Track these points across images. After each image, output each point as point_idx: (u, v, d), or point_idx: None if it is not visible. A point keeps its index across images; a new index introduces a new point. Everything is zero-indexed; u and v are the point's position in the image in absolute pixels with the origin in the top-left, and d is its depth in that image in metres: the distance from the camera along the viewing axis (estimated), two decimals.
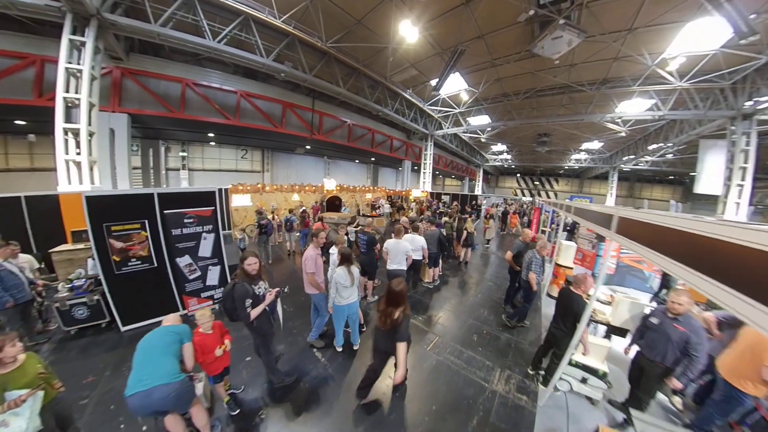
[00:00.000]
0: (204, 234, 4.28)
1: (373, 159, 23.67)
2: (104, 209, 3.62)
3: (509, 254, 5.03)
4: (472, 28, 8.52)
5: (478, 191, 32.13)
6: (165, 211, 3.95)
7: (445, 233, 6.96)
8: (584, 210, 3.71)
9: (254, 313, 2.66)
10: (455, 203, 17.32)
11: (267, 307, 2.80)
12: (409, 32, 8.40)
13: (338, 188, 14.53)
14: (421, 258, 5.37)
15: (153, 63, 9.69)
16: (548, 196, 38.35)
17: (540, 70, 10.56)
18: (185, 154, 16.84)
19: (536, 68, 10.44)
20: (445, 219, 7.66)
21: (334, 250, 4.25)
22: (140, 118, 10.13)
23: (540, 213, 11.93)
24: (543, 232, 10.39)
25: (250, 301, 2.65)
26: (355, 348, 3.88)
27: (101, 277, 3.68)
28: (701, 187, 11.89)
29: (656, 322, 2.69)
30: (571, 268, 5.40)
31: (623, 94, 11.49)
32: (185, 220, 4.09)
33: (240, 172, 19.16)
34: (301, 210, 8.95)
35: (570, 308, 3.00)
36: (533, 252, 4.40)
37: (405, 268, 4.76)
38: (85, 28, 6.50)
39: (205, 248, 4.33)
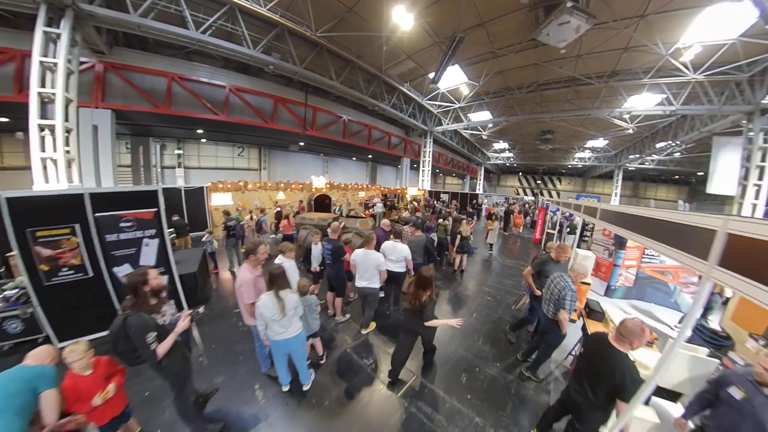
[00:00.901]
0: (146, 240, 3.75)
1: (370, 156, 23.11)
2: (27, 212, 3.10)
3: (529, 270, 3.90)
4: (471, 15, 7.92)
5: (479, 190, 31.49)
6: (96, 214, 3.41)
7: (435, 239, 6.24)
8: (632, 217, 2.35)
9: (161, 349, 2.05)
10: (454, 202, 16.75)
11: (179, 338, 2.19)
12: (403, 19, 7.82)
13: (328, 186, 13.84)
14: (404, 270, 4.55)
15: (137, 57, 9.29)
16: (550, 195, 37.69)
17: (546, 61, 9.91)
18: (181, 151, 16.78)
19: (540, 59, 9.81)
20: (438, 221, 6.97)
21: (282, 259, 3.48)
22: (125, 114, 9.78)
23: (545, 213, 11.30)
24: (549, 234, 9.77)
25: (154, 334, 2.03)
26: (305, 389, 3.11)
27: (29, 288, 3.16)
28: (714, 187, 11.25)
29: (738, 397, 1.79)
30: (589, 284, 4.68)
31: (633, 87, 10.84)
32: (122, 224, 3.56)
33: (237, 169, 19.00)
34: (276, 210, 8.38)
35: (608, 372, 1.97)
36: (565, 279, 3.03)
37: (377, 286, 3.97)
38: (60, 20, 6.12)
39: (148, 256, 3.80)
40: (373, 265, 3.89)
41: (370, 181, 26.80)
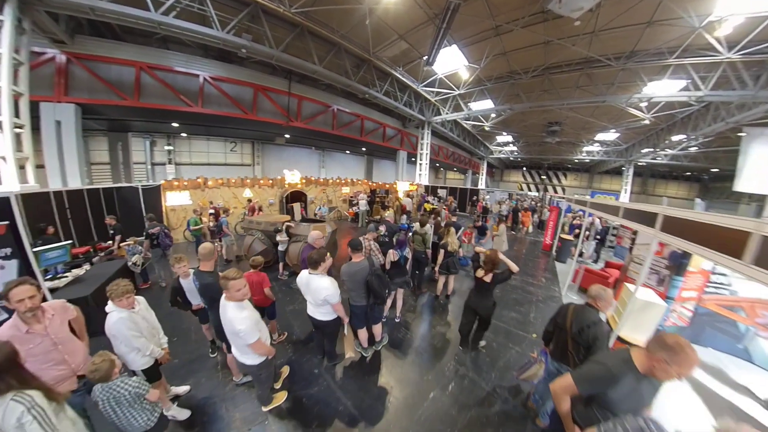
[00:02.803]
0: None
1: (364, 149, 21.96)
2: None
3: (568, 387, 1.65)
4: None
5: (481, 185, 30.24)
6: None
7: (409, 255, 4.38)
8: None
9: None
10: (450, 198, 15.52)
11: None
12: None
13: (304, 181, 12.50)
14: (333, 318, 2.96)
15: (102, 46, 8.55)
16: (555, 191, 36.38)
17: (560, 38, 8.56)
18: (171, 147, 16.12)
19: (550, 36, 8.53)
20: (415, 227, 5.16)
21: (111, 308, 2.24)
22: (93, 108, 9.13)
23: (559, 214, 9.66)
24: (563, 240, 8.43)
25: None
26: None
27: None
28: (742, 185, 10.06)
29: None
30: None
31: (654, 69, 9.57)
32: None
33: (229, 165, 18.36)
34: (210, 212, 7.27)
35: None
36: None
37: (253, 362, 2.39)
38: (3, 5, 5.51)
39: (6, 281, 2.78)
40: (231, 332, 2.26)
41: (366, 176, 25.68)
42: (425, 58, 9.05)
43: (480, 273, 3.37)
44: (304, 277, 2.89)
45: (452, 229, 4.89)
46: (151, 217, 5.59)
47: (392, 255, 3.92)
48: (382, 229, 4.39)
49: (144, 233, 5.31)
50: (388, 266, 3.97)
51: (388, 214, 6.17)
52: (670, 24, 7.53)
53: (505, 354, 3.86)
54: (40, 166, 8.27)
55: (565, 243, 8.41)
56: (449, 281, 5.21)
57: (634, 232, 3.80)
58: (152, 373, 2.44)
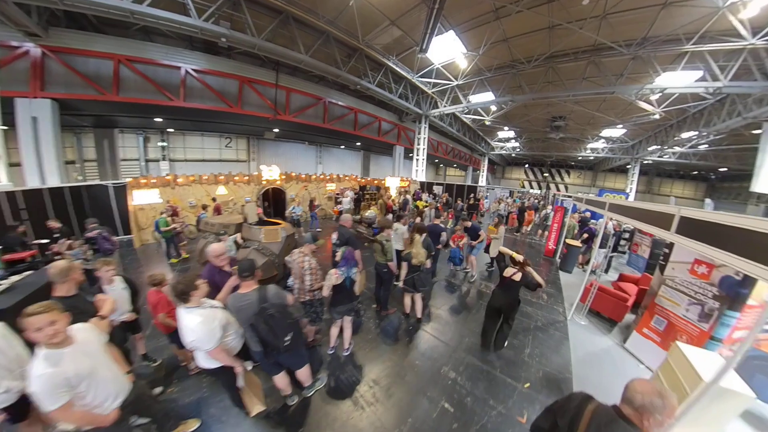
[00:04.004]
0: None
1: (359, 144, 21.25)
2: None
3: None
4: None
5: (482, 182, 29.45)
6: None
7: (357, 278, 3.25)
8: None
9: None
10: (445, 195, 14.75)
11: None
12: None
13: (283, 177, 11.53)
14: (216, 366, 2.20)
15: (79, 38, 8.18)
16: (558, 189, 35.56)
17: (567, 22, 7.81)
18: (165, 144, 15.77)
19: (555, 19, 7.77)
20: (376, 235, 4.15)
21: None
22: (72, 104, 8.80)
23: (564, 215, 8.51)
24: (569, 246, 7.36)
25: None
26: None
27: None
28: (761, 185, 9.37)
29: None
30: None
31: (668, 58, 8.82)
32: None
33: (224, 161, 18.00)
34: (169, 211, 6.71)
35: None
36: None
37: None
38: None
39: None
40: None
41: (363, 172, 25.00)
42: (419, 45, 8.36)
43: (509, 272, 3.39)
44: (180, 313, 2.08)
45: (417, 236, 3.89)
46: (92, 221, 4.99)
47: (334, 277, 3.00)
48: (334, 236, 3.57)
49: (83, 237, 4.74)
50: (326, 292, 3.05)
51: (369, 213, 5.42)
52: (688, 5, 6.80)
53: (482, 415, 2.68)
54: (16, 164, 7.89)
55: (571, 249, 7.35)
56: (416, 302, 4.22)
57: (669, 245, 3.00)
58: (16, 413, 1.91)
